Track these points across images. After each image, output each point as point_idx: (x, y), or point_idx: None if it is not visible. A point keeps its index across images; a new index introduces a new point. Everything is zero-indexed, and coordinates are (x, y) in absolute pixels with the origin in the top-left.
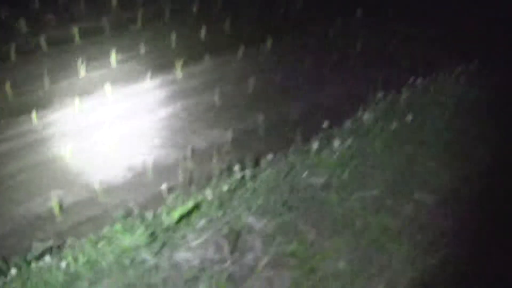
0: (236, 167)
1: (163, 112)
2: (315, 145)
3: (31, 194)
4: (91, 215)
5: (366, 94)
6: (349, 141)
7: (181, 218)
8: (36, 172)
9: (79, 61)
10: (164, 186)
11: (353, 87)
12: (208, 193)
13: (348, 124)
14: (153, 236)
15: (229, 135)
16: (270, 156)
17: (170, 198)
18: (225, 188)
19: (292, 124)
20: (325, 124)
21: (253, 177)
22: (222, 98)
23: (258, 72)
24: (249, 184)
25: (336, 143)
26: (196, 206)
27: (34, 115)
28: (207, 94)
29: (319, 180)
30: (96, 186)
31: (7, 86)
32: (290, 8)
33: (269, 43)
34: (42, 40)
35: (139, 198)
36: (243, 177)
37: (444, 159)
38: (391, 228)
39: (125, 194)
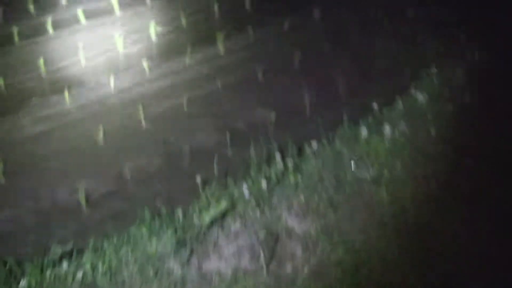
0: (278, 156)
1: (202, 90)
2: (364, 130)
3: (57, 184)
4: (118, 210)
5: (419, 68)
6: (401, 126)
7: (214, 220)
8: (65, 159)
9: (117, 35)
10: (198, 179)
11: (404, 60)
12: (245, 189)
13: (399, 104)
14: (181, 242)
15: (271, 116)
16: (314, 143)
17: (203, 195)
18: (264, 183)
19: (339, 104)
20: (375, 105)
21: (296, 168)
22: (266, 75)
23: (305, 46)
24: (291, 178)
25: (387, 128)
26: (231, 206)
27: (66, 94)
28: (250, 70)
29: (368, 174)
30: (127, 175)
31: (41, 62)
32: None
33: (317, 12)
34: (79, 12)
35: (171, 191)
36: (285, 168)
37: None
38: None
39: (156, 185)
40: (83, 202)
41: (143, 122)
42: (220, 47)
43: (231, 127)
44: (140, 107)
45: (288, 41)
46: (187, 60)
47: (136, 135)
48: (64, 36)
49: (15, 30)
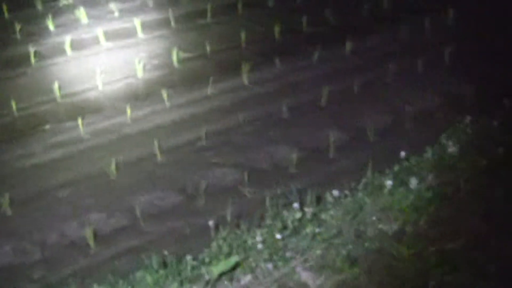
0: (296, 204)
1: (223, 124)
2: (389, 181)
3: (66, 216)
4: (126, 250)
5: (452, 114)
6: (429, 179)
7: (223, 273)
8: (75, 189)
9: (138, 59)
10: (211, 223)
11: (437, 104)
12: (259, 239)
13: (428, 154)
14: None
15: (293, 157)
16: (335, 192)
17: (215, 242)
18: (278, 233)
19: (364, 149)
20: (403, 153)
21: (314, 217)
22: (291, 111)
23: (335, 80)
24: (309, 228)
25: (414, 180)
26: (243, 257)
27: (80, 121)
28: (275, 104)
29: (390, 227)
30: (139, 211)
31: (56, 86)
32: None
33: (348, 45)
34: (100, 33)
35: (182, 232)
36: (302, 217)
37: None
38: None
39: (168, 224)
40: (91, 237)
41: (159, 155)
42: (245, 78)
43: (250, 165)
44: (156, 139)
45: (316, 75)
46: (209, 90)
47: (152, 169)
48: (83, 58)
49: (32, 49)
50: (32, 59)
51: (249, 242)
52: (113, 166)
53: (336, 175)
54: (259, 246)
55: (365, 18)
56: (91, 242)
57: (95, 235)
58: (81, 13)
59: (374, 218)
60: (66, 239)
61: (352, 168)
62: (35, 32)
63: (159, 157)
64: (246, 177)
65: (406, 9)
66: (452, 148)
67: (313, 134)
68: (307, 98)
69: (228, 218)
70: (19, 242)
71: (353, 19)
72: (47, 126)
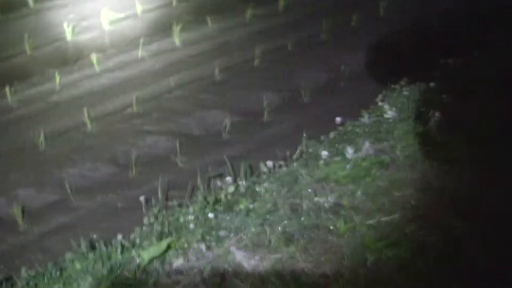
0: (229, 177)
1: (154, 88)
2: (324, 152)
3: None
4: (56, 227)
5: (388, 74)
6: (366, 147)
7: (155, 257)
8: (2, 164)
9: (66, 22)
10: (142, 198)
11: (373, 63)
12: (191, 217)
13: (365, 119)
14: (117, 285)
15: (227, 121)
16: (270, 163)
17: (146, 219)
18: (211, 211)
19: (299, 112)
20: (338, 120)
21: (248, 191)
22: (224, 73)
23: (268, 39)
24: (242, 204)
25: (350, 150)
26: (175, 238)
27: (8, 89)
28: (207, 66)
29: (327, 200)
30: (69, 185)
31: None
32: None
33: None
34: None
35: (113, 208)
36: (235, 191)
37: None
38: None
39: (99, 198)
40: (19, 214)
41: (88, 124)
42: (176, 38)
43: (182, 132)
44: (86, 106)
45: (249, 33)
46: (140, 52)
47: (80, 138)
48: (9, 22)
49: None
50: None
51: (181, 219)
52: (41, 137)
53: (271, 142)
54: (191, 225)
55: None
56: (19, 220)
57: (24, 211)
58: None
59: (310, 190)
60: None
61: (286, 133)
62: None
63: (88, 126)
64: (177, 145)
65: None
66: (388, 112)
67: (246, 96)
68: (240, 58)
69: (160, 191)
70: None
71: None
72: None
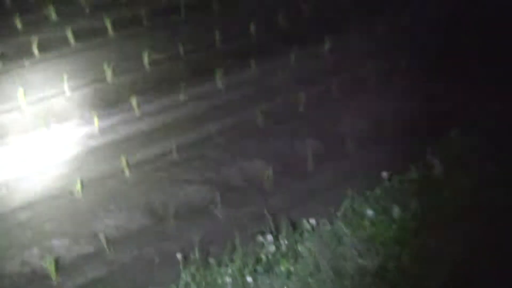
0: (270, 236)
1: (195, 134)
2: (369, 211)
3: (26, 243)
4: (90, 281)
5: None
6: (413, 205)
7: None
8: (38, 211)
9: (106, 62)
10: (179, 255)
11: (422, 112)
12: (228, 280)
13: (412, 174)
14: None
15: (269, 171)
16: (313, 221)
17: (183, 276)
18: (249, 271)
19: (343, 162)
20: (385, 175)
21: (289, 250)
22: (266, 118)
23: (311, 82)
24: (283, 265)
25: (396, 209)
26: None
27: (45, 131)
28: (250, 111)
29: (372, 263)
30: (104, 236)
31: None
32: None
33: (327, 43)
34: (69, 32)
35: (149, 262)
36: (276, 250)
37: None
38: None
39: (134, 253)
40: (52, 268)
41: (126, 171)
42: (218, 81)
43: (223, 182)
44: (124, 152)
45: (292, 77)
46: (181, 96)
47: (118, 186)
48: (50, 60)
49: None
50: None
51: (219, 281)
52: (78, 185)
53: (314, 195)
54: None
55: (345, 11)
56: (53, 273)
57: (57, 263)
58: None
59: (354, 251)
60: (27, 267)
61: (330, 185)
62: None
63: (126, 173)
64: (218, 196)
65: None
66: (438, 167)
67: (288, 144)
68: (283, 103)
69: (198, 247)
70: None
71: (330, 14)
72: (10, 138)
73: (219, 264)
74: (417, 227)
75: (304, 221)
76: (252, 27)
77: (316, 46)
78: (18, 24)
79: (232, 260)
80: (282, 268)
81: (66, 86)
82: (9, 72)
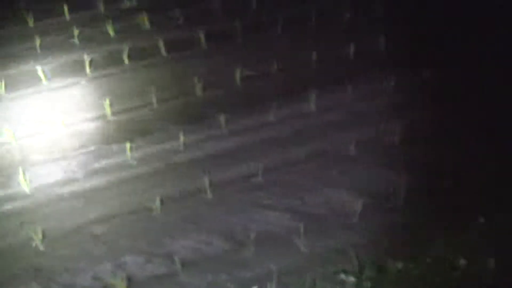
0: (351, 277)
1: (282, 157)
2: (461, 258)
3: (100, 258)
4: None
5: None
6: None
7: None
8: (113, 227)
9: (197, 75)
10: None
11: None
12: None
13: None
14: None
15: (355, 203)
16: (400, 265)
17: None
18: None
19: (438, 200)
20: (482, 219)
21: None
22: (359, 146)
23: (409, 110)
24: None
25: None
26: None
27: (128, 144)
28: (342, 137)
29: None
30: (179, 257)
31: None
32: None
33: (427, 71)
34: (161, 44)
35: None
36: None
37: None
38: None
39: (208, 278)
40: (124, 285)
41: (208, 191)
42: (312, 103)
43: (308, 211)
44: (208, 171)
45: (391, 103)
46: (271, 116)
47: (198, 206)
48: (139, 69)
49: (87, 58)
50: (87, 68)
51: None
52: (157, 201)
53: (402, 232)
54: None
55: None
56: None
57: (129, 281)
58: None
59: None
60: (98, 283)
61: (420, 224)
62: (89, 38)
63: (208, 193)
64: (301, 226)
65: None
66: None
67: (379, 176)
68: (378, 131)
69: (275, 278)
70: (48, 282)
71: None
72: (93, 147)
73: None
74: None
75: (390, 262)
76: (352, 47)
77: (417, 70)
78: (110, 31)
79: None
80: None
81: (153, 98)
82: (97, 79)
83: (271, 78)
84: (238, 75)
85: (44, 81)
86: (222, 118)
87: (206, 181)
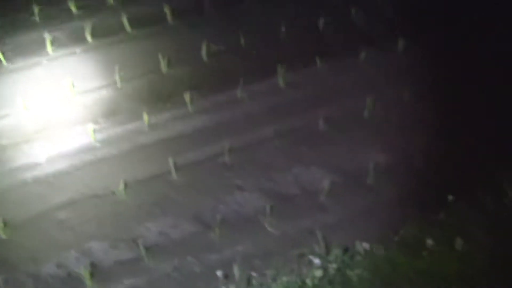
0: (317, 260)
1: (251, 136)
2: (429, 239)
3: (64, 245)
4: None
5: None
6: (480, 236)
7: None
8: (76, 210)
9: (162, 52)
10: (219, 273)
11: None
12: None
13: (483, 198)
14: None
15: (325, 181)
16: (366, 245)
17: None
18: None
19: (408, 179)
20: (451, 198)
21: (337, 275)
22: (328, 123)
23: (381, 86)
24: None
25: (461, 240)
26: None
27: (91, 126)
28: (310, 114)
29: None
30: (145, 242)
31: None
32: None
33: (400, 44)
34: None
35: (189, 273)
36: (324, 274)
37: None
38: None
39: (175, 260)
40: (88, 274)
41: (174, 173)
42: (281, 79)
43: (277, 190)
44: (173, 152)
45: (362, 78)
46: (239, 93)
47: (164, 189)
48: (102, 47)
49: (48, 37)
50: (49, 47)
51: None
52: (121, 185)
53: (371, 213)
54: None
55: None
56: (88, 279)
57: (94, 268)
58: None
59: (408, 285)
60: (63, 270)
61: (390, 204)
62: (54, 13)
63: (174, 175)
64: (268, 206)
65: None
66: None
67: (350, 154)
68: (348, 107)
69: (241, 261)
70: (12, 272)
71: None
72: (55, 130)
73: (261, 285)
74: (485, 264)
75: (357, 243)
76: (322, 21)
77: (389, 45)
78: (73, 8)
79: (274, 280)
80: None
81: (117, 77)
82: (59, 59)
83: (239, 53)
84: (204, 51)
85: (3, 63)
86: (188, 96)
87: (172, 162)
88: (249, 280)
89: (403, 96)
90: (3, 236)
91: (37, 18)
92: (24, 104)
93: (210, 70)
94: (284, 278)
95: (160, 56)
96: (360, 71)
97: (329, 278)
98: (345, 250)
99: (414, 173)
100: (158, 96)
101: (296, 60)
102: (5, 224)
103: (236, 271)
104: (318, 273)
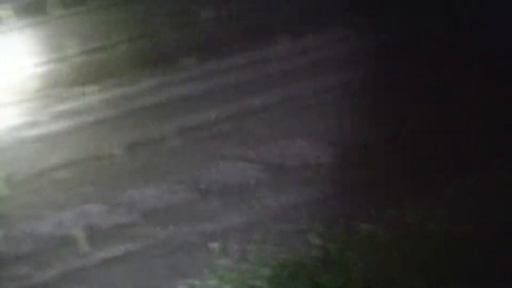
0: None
1: (241, 106)
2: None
3: (62, 205)
4: (120, 257)
5: None
6: None
7: None
8: (76, 173)
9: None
10: (214, 245)
11: None
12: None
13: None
14: None
15: (312, 155)
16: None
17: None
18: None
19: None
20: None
21: (336, 257)
22: (317, 95)
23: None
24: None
25: None
26: None
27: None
28: (301, 85)
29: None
30: (143, 207)
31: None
32: None
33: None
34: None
35: (183, 242)
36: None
37: None
38: None
39: (172, 228)
40: (83, 237)
41: (169, 138)
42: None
43: (262, 161)
44: (172, 116)
45: (354, 50)
46: (233, 60)
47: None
48: (103, 8)
49: None
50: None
51: (249, 282)
52: (120, 148)
53: (365, 189)
54: None
55: None
56: (84, 242)
57: (91, 230)
58: None
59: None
60: (59, 230)
61: (387, 181)
62: None
63: (169, 140)
64: (261, 181)
65: None
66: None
67: (341, 127)
68: (339, 79)
69: (238, 233)
70: (8, 228)
71: None
72: (56, 90)
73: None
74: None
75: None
76: None
77: (382, 17)
78: None
79: (267, 264)
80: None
81: (117, 39)
82: (60, 19)
83: (231, 20)
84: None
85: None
86: (183, 61)
87: (169, 127)
88: (245, 257)
89: (394, 68)
90: (4, 192)
91: None
92: (23, 63)
93: (200, 37)
94: (280, 255)
95: (158, 20)
96: (352, 43)
97: (329, 258)
98: (347, 229)
99: (410, 146)
100: (150, 61)
101: (288, 31)
102: (4, 180)
103: (233, 242)
104: (317, 252)
